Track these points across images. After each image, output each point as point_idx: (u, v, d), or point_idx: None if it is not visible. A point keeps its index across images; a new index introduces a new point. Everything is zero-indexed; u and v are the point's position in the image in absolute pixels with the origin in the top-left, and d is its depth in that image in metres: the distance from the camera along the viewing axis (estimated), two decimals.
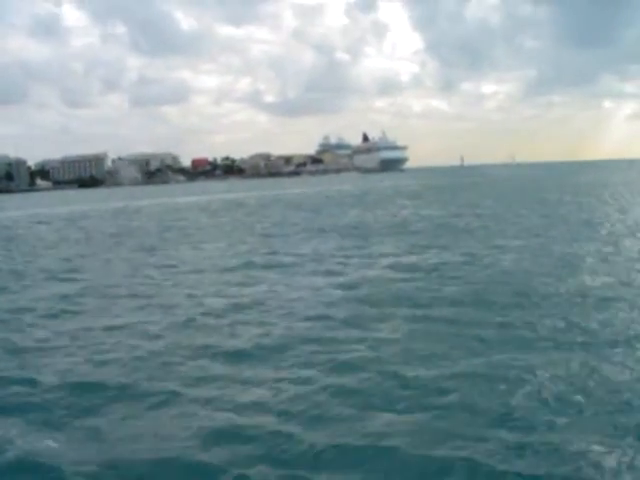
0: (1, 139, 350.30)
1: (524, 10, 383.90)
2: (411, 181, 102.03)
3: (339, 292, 13.50)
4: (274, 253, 20.67)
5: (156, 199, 78.33)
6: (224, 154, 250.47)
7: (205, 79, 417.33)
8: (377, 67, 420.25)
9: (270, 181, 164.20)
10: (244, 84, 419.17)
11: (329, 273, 16.12)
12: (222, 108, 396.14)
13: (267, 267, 17.71)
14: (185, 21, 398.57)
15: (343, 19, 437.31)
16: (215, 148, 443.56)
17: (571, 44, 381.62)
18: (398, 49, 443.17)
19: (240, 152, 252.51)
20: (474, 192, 57.91)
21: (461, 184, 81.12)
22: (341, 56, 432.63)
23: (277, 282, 15.15)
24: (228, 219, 38.28)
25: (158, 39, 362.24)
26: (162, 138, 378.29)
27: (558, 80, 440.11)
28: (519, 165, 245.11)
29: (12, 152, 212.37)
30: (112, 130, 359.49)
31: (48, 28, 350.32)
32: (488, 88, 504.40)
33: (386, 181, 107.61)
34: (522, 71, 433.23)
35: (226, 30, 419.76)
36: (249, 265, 18.20)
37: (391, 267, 16.60)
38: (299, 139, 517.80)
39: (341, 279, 15.06)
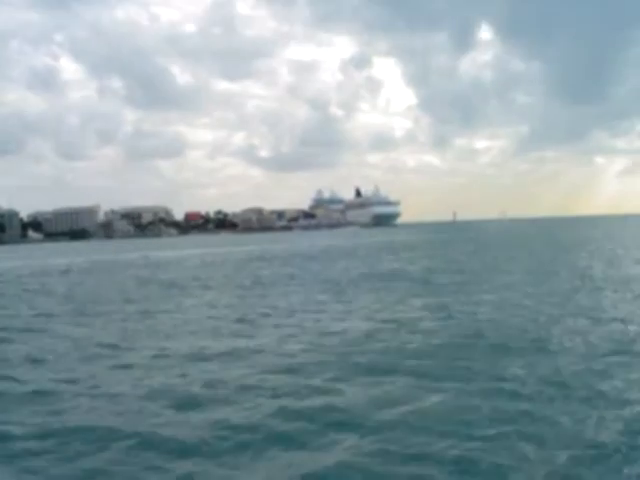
0: None
1: (516, 67, 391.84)
2: (404, 237, 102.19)
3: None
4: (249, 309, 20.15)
5: (138, 253, 77.65)
6: (217, 208, 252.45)
7: (200, 133, 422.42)
8: (371, 122, 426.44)
9: (261, 236, 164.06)
10: (238, 138, 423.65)
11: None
12: (216, 162, 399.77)
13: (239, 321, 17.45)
14: (181, 76, 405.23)
15: (337, 75, 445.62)
16: (209, 202, 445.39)
17: (563, 100, 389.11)
18: (392, 105, 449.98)
19: (233, 206, 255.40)
20: (462, 248, 57.61)
21: (451, 240, 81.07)
22: (335, 111, 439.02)
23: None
24: (211, 274, 37.64)
25: (154, 93, 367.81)
26: (156, 191, 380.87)
27: (550, 136, 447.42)
28: (511, 221, 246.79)
29: (5, 203, 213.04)
30: (107, 183, 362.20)
31: (46, 81, 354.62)
32: (481, 144, 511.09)
33: (379, 236, 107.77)
34: (514, 127, 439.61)
35: (222, 85, 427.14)
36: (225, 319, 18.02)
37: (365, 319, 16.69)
38: (293, 193, 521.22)
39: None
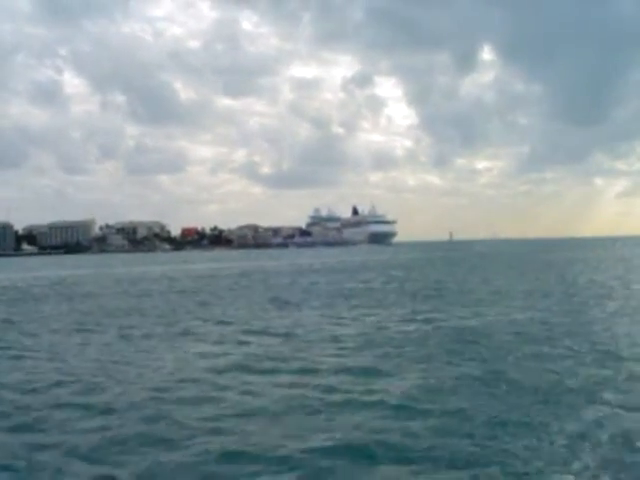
0: None
1: (517, 88, 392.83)
2: (396, 255, 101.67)
3: None
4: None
5: (129, 268, 76.71)
6: (217, 224, 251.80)
7: (201, 149, 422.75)
8: (372, 141, 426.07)
9: (255, 252, 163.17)
10: (240, 155, 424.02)
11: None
12: (217, 178, 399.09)
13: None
14: (184, 91, 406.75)
15: (339, 93, 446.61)
16: (208, 218, 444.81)
17: (563, 122, 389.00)
18: (393, 124, 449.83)
19: (232, 222, 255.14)
20: (451, 267, 56.95)
21: (442, 258, 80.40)
22: (337, 129, 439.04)
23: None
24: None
25: (157, 108, 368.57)
26: (156, 206, 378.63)
27: (550, 157, 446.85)
28: (507, 241, 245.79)
29: (3, 216, 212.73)
30: (107, 197, 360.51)
31: (48, 95, 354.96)
32: (481, 164, 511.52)
33: (374, 255, 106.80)
34: (515, 148, 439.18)
35: (224, 101, 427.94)
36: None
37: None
38: (293, 211, 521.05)
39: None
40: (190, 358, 13.87)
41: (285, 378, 11.58)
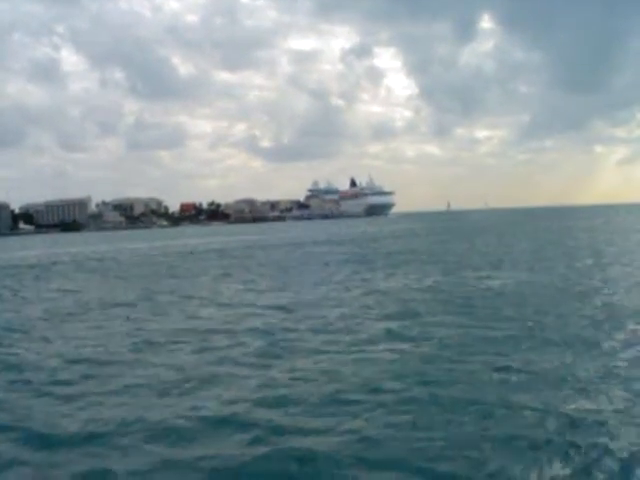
0: None
1: (517, 56, 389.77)
2: (392, 226, 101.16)
3: None
4: None
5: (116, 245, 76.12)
6: (217, 199, 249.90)
7: (201, 124, 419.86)
8: (371, 112, 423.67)
9: (251, 227, 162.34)
10: (239, 129, 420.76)
11: None
12: (217, 153, 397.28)
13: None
14: (183, 66, 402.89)
15: (338, 65, 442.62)
16: (209, 193, 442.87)
17: (563, 90, 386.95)
18: (392, 95, 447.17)
19: (233, 197, 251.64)
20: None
21: (435, 229, 79.75)
22: (336, 101, 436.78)
23: None
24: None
25: (155, 84, 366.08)
26: (156, 182, 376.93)
27: (550, 125, 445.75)
28: (507, 210, 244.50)
29: (2, 196, 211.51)
30: (107, 174, 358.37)
31: (47, 72, 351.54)
32: (481, 133, 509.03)
33: (368, 227, 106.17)
34: (515, 116, 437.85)
35: (223, 75, 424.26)
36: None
37: None
38: (293, 184, 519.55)
39: None
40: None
41: None
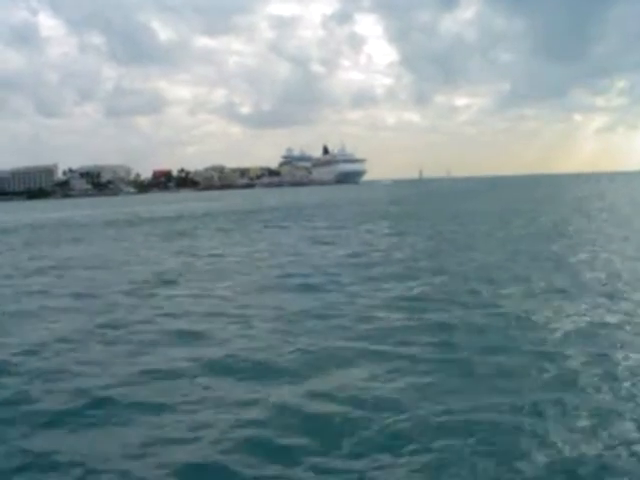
0: None
1: (499, 24, 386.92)
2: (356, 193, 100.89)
3: None
4: None
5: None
6: (196, 166, 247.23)
7: (180, 90, 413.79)
8: (352, 79, 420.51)
9: (215, 193, 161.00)
10: (218, 95, 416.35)
11: None
12: (196, 119, 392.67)
13: None
14: (162, 31, 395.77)
15: (319, 31, 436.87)
16: (187, 159, 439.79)
17: (544, 58, 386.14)
18: (373, 62, 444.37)
19: (210, 164, 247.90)
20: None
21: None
22: (316, 68, 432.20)
23: None
24: None
25: (134, 49, 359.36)
26: (134, 149, 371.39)
27: (530, 93, 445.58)
28: (481, 179, 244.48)
29: None
30: (84, 140, 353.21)
31: (24, 37, 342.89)
32: (461, 101, 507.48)
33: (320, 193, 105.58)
34: (495, 84, 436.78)
35: (202, 41, 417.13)
36: None
37: None
38: (271, 151, 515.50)
39: None
40: None
41: None
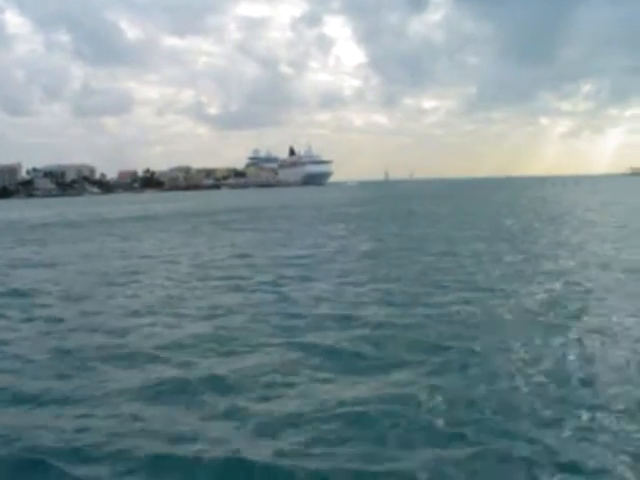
0: None
1: (467, 27, 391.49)
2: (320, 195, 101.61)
3: None
4: None
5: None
6: (163, 166, 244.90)
7: (148, 90, 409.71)
8: (320, 81, 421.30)
9: (180, 194, 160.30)
10: (186, 96, 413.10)
11: None
12: (163, 119, 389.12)
13: None
14: (130, 31, 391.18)
15: (288, 33, 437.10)
16: (154, 160, 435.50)
17: (511, 61, 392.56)
18: (342, 63, 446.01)
19: (178, 164, 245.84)
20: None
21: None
22: (285, 69, 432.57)
23: None
24: None
25: (102, 48, 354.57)
26: (101, 149, 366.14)
27: (497, 97, 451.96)
28: (446, 181, 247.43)
29: None
30: (50, 140, 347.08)
31: None
32: (429, 104, 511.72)
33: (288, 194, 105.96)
34: (463, 87, 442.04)
35: (171, 41, 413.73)
36: None
37: None
38: (238, 152, 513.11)
39: None
40: None
41: None
